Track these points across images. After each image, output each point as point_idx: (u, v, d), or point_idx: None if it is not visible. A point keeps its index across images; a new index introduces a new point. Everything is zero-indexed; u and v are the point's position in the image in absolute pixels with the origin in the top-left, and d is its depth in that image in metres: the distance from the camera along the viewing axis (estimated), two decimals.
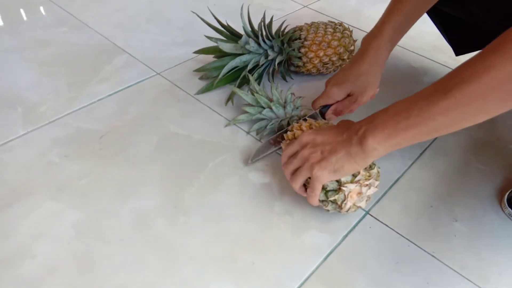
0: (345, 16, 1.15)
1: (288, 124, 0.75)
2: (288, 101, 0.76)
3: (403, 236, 0.63)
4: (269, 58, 0.85)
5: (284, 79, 0.91)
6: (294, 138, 0.66)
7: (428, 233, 0.63)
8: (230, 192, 0.67)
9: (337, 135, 0.57)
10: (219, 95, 0.86)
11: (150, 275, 0.56)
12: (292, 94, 0.78)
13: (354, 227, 0.64)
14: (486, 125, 0.84)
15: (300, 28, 0.89)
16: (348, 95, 0.75)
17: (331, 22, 0.91)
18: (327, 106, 0.76)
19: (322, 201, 0.60)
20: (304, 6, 1.22)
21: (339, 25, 0.89)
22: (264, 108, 0.76)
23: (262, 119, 0.76)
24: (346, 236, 0.62)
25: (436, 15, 0.87)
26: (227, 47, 0.83)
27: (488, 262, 0.60)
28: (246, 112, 0.76)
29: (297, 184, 0.61)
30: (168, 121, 0.80)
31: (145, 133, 0.77)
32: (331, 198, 0.59)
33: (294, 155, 0.61)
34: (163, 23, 1.09)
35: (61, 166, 0.70)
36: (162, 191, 0.67)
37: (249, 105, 0.77)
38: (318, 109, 0.76)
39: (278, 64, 0.87)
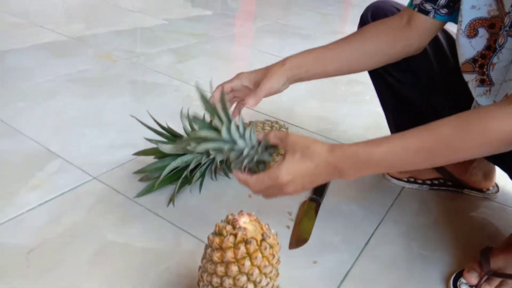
0: (279, 113, 1.22)
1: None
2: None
3: None
4: (211, 156, 0.86)
5: (227, 175, 0.92)
6: None
7: None
8: None
9: (316, 170, 0.61)
10: (160, 196, 0.84)
11: None
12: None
13: None
14: (423, 211, 0.88)
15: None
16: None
17: (268, 120, 0.95)
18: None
19: None
20: None
21: (276, 123, 0.94)
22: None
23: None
24: None
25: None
26: (167, 148, 0.83)
27: None
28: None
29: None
30: (105, 229, 0.75)
31: (80, 245, 0.71)
32: None
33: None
34: (102, 126, 1.08)
35: None
36: None
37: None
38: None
39: (219, 162, 0.87)
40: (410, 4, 0.77)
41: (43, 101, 1.17)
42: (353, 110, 1.35)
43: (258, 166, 0.66)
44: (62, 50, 1.55)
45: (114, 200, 0.82)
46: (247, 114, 0.96)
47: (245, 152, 0.63)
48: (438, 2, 0.73)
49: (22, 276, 0.64)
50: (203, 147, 0.63)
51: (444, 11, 0.74)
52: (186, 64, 1.56)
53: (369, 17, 0.90)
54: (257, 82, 0.77)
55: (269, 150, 0.66)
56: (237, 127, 0.63)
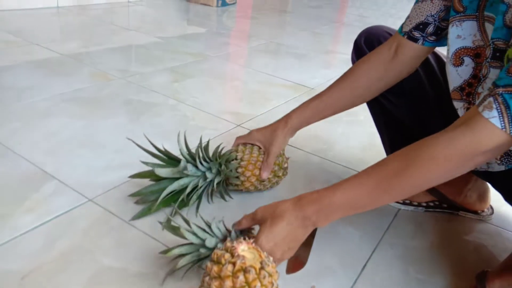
0: None
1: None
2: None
3: None
4: (208, 179, 0.86)
5: (223, 198, 0.91)
6: None
7: None
8: None
9: (289, 231, 0.63)
10: (156, 219, 0.84)
11: None
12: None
13: None
14: (419, 234, 0.89)
15: (236, 150, 0.92)
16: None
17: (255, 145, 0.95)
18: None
19: None
20: (237, 125, 1.28)
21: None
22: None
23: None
24: None
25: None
26: (164, 172, 0.83)
27: None
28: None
29: None
30: (101, 253, 0.74)
31: (75, 270, 0.70)
32: None
33: None
34: (97, 146, 1.07)
35: None
36: None
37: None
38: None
39: (216, 184, 0.88)
40: (400, 30, 0.80)
41: (38, 120, 1.16)
42: (348, 130, 1.36)
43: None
44: (57, 68, 1.55)
45: (110, 223, 0.81)
46: (241, 134, 0.96)
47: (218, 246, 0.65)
48: (426, 30, 0.76)
49: None
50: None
51: (432, 38, 0.77)
52: (182, 83, 1.56)
53: (362, 43, 0.94)
54: (265, 141, 0.91)
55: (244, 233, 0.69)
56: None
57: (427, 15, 0.75)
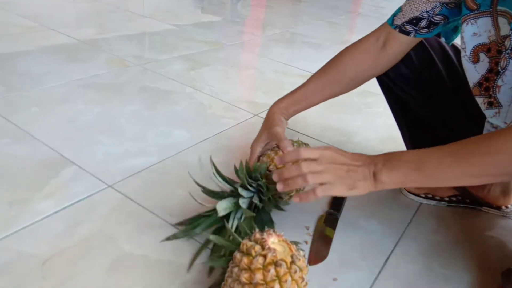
0: (295, 125, 1.20)
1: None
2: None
3: None
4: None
5: (280, 209, 0.79)
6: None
7: None
8: None
9: (355, 161, 0.64)
10: (175, 206, 0.83)
11: None
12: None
13: None
14: (442, 229, 0.87)
15: (270, 158, 0.82)
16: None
17: (290, 139, 0.90)
18: None
19: None
20: (255, 115, 1.27)
21: (295, 142, 0.91)
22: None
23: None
24: None
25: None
26: (224, 206, 0.71)
27: None
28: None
29: (313, 181, 0.63)
30: (122, 240, 0.73)
31: (96, 256, 0.69)
32: None
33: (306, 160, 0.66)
34: (115, 133, 1.07)
35: None
36: None
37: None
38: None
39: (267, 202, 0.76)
40: (391, 23, 0.81)
41: (56, 106, 1.16)
42: (367, 122, 1.34)
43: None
44: (73, 54, 1.55)
45: (129, 210, 0.81)
46: (259, 123, 0.94)
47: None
48: (419, 25, 0.78)
49: (38, 287, 0.63)
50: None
51: (424, 30, 0.79)
52: (198, 71, 1.55)
53: None
54: (270, 134, 0.86)
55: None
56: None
57: (422, 11, 0.76)
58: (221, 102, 1.32)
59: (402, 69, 0.87)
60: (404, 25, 0.78)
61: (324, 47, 2.13)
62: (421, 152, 0.61)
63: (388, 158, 0.62)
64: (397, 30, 0.80)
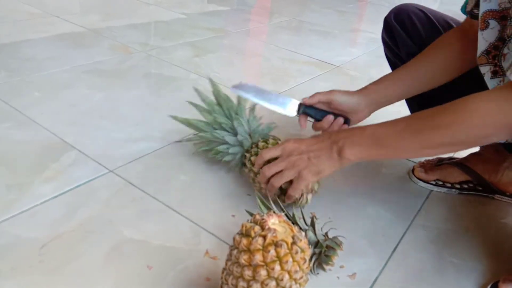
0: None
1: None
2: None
3: None
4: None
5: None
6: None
7: None
8: None
9: (318, 143, 0.67)
10: (177, 192, 0.81)
11: None
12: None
13: None
14: (453, 217, 0.84)
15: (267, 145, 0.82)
16: (336, 114, 0.80)
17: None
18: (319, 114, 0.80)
19: None
20: None
21: (272, 139, 0.86)
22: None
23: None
24: None
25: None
26: (231, 139, 0.83)
27: None
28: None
29: (279, 184, 0.69)
30: (122, 225, 0.72)
31: (95, 241, 0.68)
32: None
33: (274, 159, 0.69)
34: (118, 118, 1.05)
35: None
36: None
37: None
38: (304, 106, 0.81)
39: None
40: (464, 11, 0.78)
41: (59, 91, 1.14)
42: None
43: None
44: (77, 40, 1.53)
45: (130, 195, 0.79)
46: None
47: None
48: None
49: (35, 271, 0.61)
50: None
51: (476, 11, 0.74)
52: (203, 58, 1.52)
53: (392, 20, 0.93)
54: (348, 109, 0.81)
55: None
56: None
57: None
58: (226, 89, 1.29)
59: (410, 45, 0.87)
60: (472, 9, 0.75)
61: (332, 35, 2.09)
62: (380, 126, 0.63)
63: (350, 134, 0.65)
64: (469, 16, 0.77)
